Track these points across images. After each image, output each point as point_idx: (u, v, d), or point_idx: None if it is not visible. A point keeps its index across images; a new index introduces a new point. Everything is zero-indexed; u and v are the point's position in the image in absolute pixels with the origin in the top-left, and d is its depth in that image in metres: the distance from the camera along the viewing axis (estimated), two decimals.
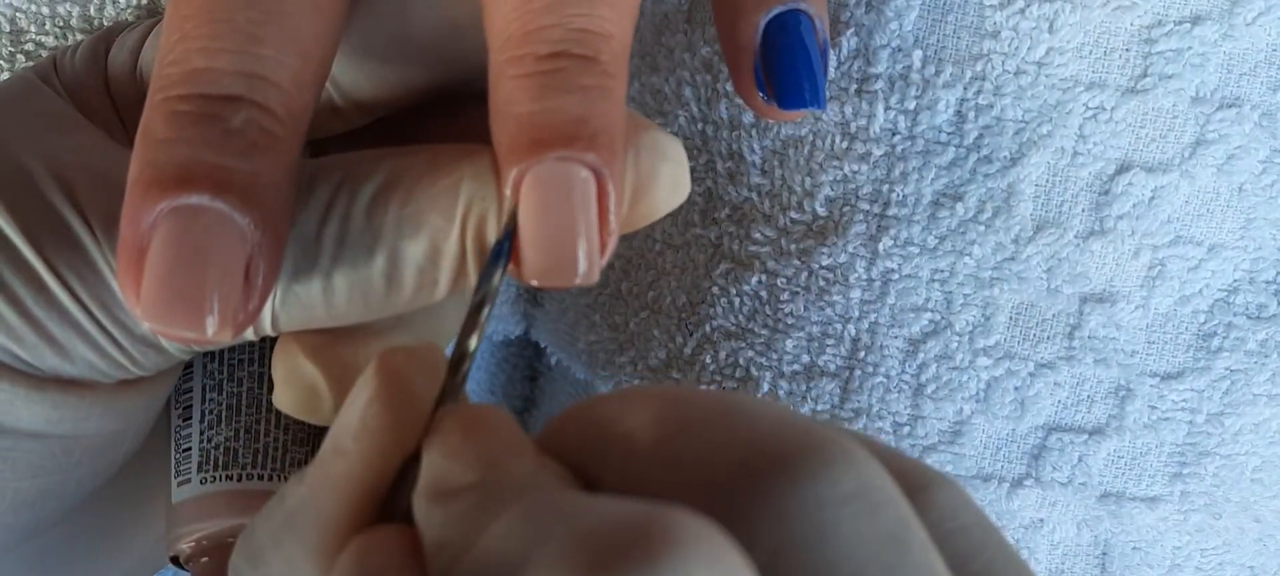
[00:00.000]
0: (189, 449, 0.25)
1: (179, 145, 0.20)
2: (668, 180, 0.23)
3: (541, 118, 0.20)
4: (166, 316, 0.20)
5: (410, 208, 0.22)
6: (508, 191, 0.20)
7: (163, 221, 0.20)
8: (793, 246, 0.34)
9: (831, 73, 0.32)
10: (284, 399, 0.24)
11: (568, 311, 0.39)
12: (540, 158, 0.20)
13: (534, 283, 0.21)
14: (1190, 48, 0.31)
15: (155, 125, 0.20)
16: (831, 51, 0.32)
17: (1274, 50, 0.31)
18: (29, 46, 0.31)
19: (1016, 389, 0.34)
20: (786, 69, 0.29)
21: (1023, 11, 0.31)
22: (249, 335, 0.23)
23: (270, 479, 0.25)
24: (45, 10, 0.31)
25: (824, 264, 0.34)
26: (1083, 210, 0.32)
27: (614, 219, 0.21)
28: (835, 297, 0.34)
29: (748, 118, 0.34)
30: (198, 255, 0.20)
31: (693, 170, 0.35)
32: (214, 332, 0.20)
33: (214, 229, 0.20)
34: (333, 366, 0.24)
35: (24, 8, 0.31)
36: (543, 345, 0.41)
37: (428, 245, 0.22)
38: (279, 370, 0.24)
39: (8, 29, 0.31)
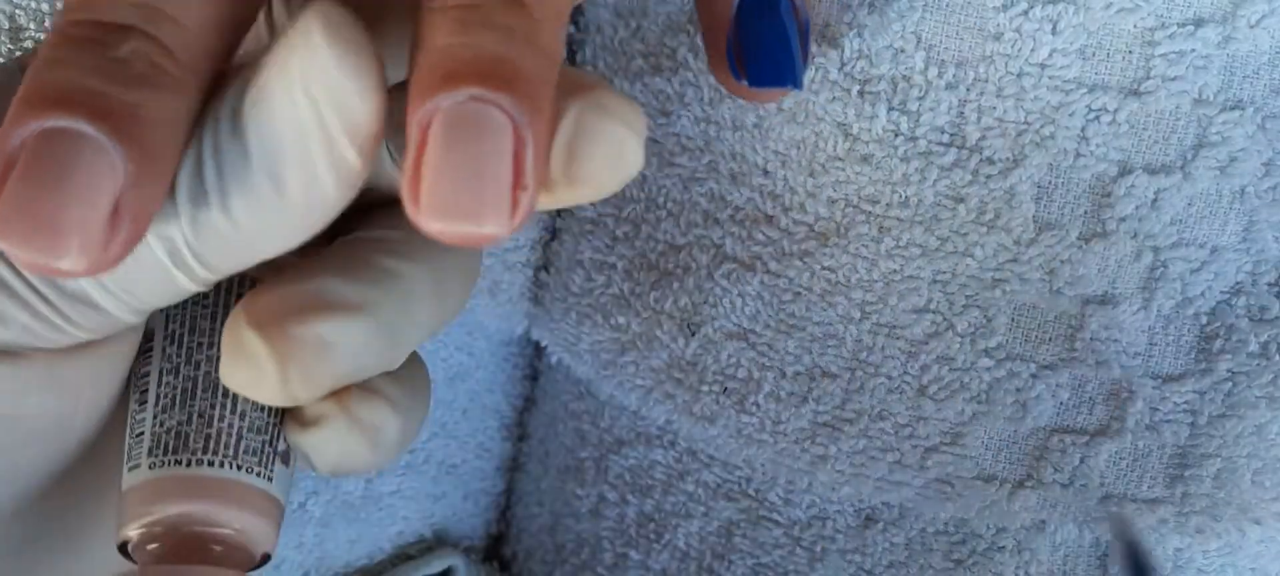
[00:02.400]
0: (142, 433, 0.24)
1: (62, 67, 0.19)
2: (608, 143, 0.21)
3: (457, 51, 0.19)
4: (21, 237, 0.19)
5: (256, 89, 0.20)
6: (414, 130, 0.19)
7: (31, 140, 0.19)
8: (795, 248, 0.34)
9: (834, 73, 0.32)
10: (227, 373, 0.23)
11: (570, 312, 0.39)
12: (452, 92, 0.19)
13: (433, 228, 0.19)
14: (1192, 50, 0.31)
15: (46, 47, 0.20)
16: (834, 52, 0.32)
17: (1276, 53, 0.31)
18: (27, 43, 0.31)
19: (1018, 390, 0.34)
20: (761, 46, 0.29)
21: (1025, 13, 0.31)
22: (190, 286, 0.22)
23: (222, 466, 0.24)
24: (45, 7, 0.30)
25: (826, 265, 0.34)
26: (1084, 212, 0.32)
27: (531, 175, 0.19)
28: (837, 299, 0.34)
29: (751, 119, 0.34)
30: (61, 178, 0.19)
31: (696, 171, 0.35)
32: (72, 264, 0.19)
33: (82, 154, 0.19)
34: (278, 341, 0.22)
35: (23, 5, 0.30)
36: (543, 344, 0.41)
37: (284, 127, 0.20)
38: (225, 343, 0.23)
39: (6, 27, 0.31)
